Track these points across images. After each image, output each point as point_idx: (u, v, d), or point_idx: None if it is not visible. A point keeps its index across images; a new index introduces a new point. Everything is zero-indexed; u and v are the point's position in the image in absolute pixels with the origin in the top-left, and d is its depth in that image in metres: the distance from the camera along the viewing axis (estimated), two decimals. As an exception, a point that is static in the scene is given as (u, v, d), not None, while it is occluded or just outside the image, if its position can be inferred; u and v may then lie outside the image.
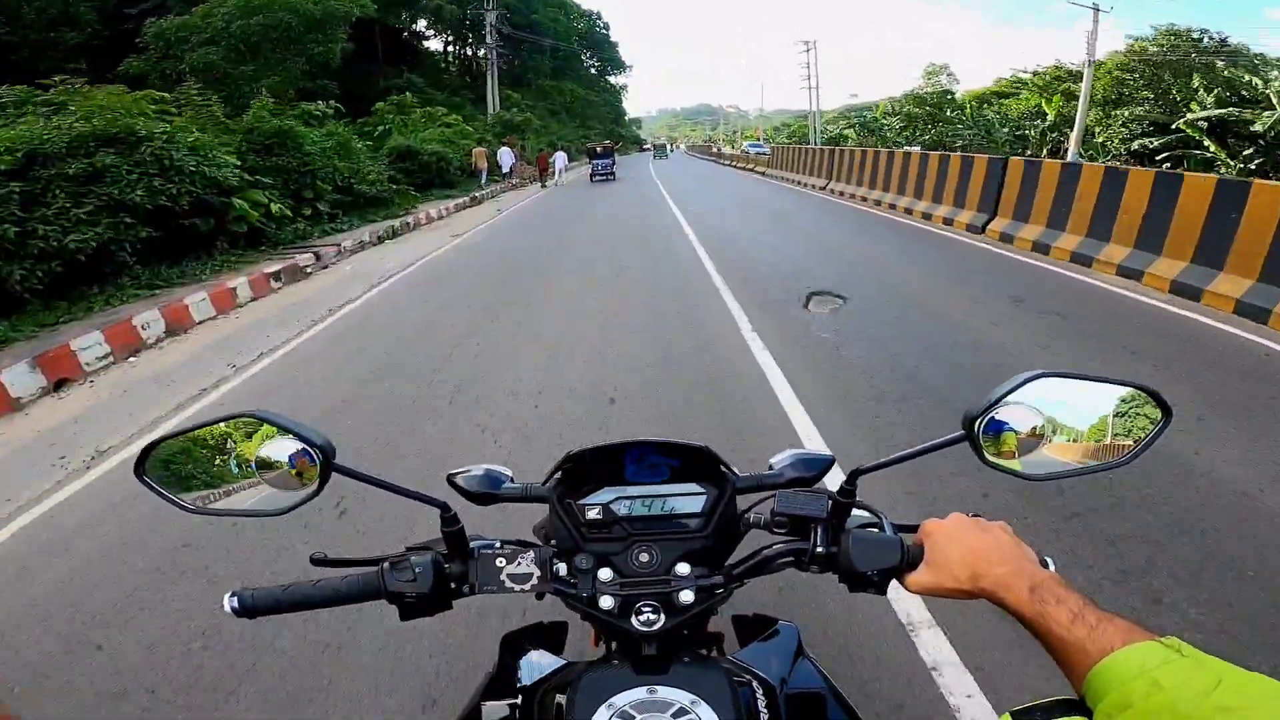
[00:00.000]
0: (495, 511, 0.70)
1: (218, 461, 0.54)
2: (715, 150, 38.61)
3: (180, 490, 0.53)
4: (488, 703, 0.61)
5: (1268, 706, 0.31)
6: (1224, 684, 0.32)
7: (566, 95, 35.78)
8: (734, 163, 23.04)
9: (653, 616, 0.55)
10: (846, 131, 25.64)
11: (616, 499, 0.63)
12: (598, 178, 16.21)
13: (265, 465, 0.52)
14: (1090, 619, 0.41)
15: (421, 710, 1.23)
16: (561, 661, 0.67)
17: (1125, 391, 0.53)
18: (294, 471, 0.52)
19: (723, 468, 0.63)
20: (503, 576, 0.57)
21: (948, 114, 20.39)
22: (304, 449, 0.51)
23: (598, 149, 16.89)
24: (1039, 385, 0.50)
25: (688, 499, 0.64)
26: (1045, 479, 0.54)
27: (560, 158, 16.44)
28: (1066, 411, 0.53)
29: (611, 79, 56.39)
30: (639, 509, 0.63)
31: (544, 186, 14.81)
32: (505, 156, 15.19)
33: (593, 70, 51.80)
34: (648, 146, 62.62)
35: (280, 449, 0.52)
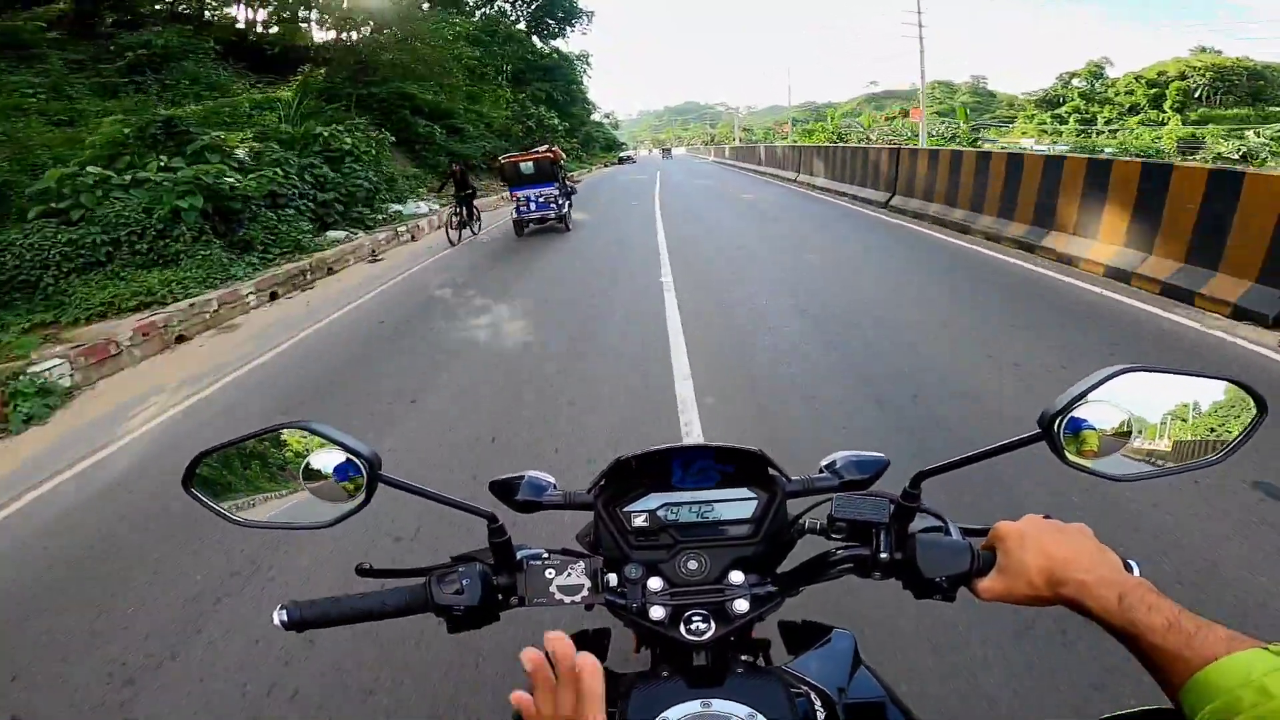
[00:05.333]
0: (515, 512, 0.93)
1: (264, 473, 0.73)
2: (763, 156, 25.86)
3: (227, 502, 0.72)
4: None
5: None
6: None
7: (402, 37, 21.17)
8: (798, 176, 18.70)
9: (702, 625, 0.72)
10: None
11: (663, 505, 0.82)
12: (530, 226, 12.43)
13: (311, 476, 0.71)
14: (1188, 626, 0.52)
15: None
16: (607, 671, 0.81)
17: (1216, 385, 0.67)
18: (340, 483, 0.71)
19: (773, 471, 0.83)
20: (552, 588, 0.74)
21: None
22: (349, 460, 0.70)
23: (519, 162, 11.97)
24: (1122, 381, 0.64)
25: (737, 504, 0.82)
26: (1130, 479, 0.68)
27: None
28: (1152, 408, 0.67)
29: (560, 43, 49.33)
30: (686, 515, 0.82)
31: None
32: None
33: (521, 24, 44.63)
34: (628, 154, 65.16)
35: (327, 460, 0.71)
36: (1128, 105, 62.57)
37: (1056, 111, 66.00)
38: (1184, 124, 54.43)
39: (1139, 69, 65.16)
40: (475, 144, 24.61)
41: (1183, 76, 60.16)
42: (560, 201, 12.18)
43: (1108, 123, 61.79)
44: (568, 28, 48.32)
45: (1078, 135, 59.08)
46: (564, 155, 14.23)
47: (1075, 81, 69.08)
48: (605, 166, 51.28)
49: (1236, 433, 0.66)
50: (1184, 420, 0.67)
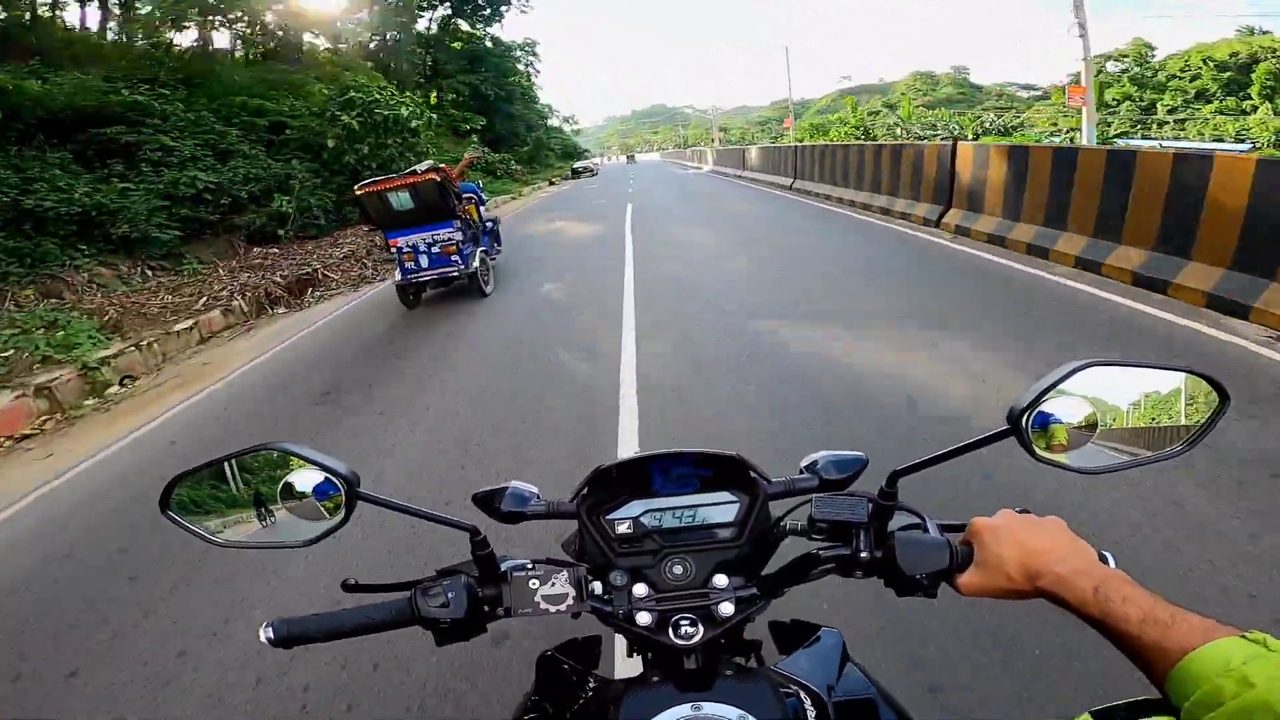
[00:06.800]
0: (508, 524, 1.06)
1: (242, 494, 0.92)
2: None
3: (205, 523, 0.92)
4: None
5: None
6: None
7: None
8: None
9: (690, 629, 0.91)
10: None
11: (645, 512, 1.03)
12: (426, 290, 10.57)
13: (290, 495, 0.91)
14: (1163, 616, 0.66)
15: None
16: (598, 678, 1.07)
17: (1178, 377, 0.86)
18: (319, 502, 0.91)
19: (753, 474, 1.05)
20: (537, 598, 0.94)
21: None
22: (327, 479, 0.89)
23: (385, 193, 9.34)
24: (1087, 375, 0.82)
25: (719, 508, 1.04)
26: (1099, 472, 0.87)
27: None
28: (1117, 401, 0.87)
29: (497, 29, 49.74)
30: (670, 521, 1.04)
31: None
32: None
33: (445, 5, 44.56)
34: (585, 165, 58.86)
35: (305, 479, 0.91)
36: (1194, 91, 65.56)
37: (1101, 98, 69.25)
38: (1275, 113, 57.08)
39: (1181, 50, 69.07)
40: (190, 170, 14.94)
41: (1255, 60, 63.26)
42: (466, 249, 9.89)
43: (1171, 111, 64.61)
44: (503, 6, 47.55)
45: (1133, 125, 61.63)
46: (469, 171, 12.27)
47: (1110, 66, 72.48)
48: (551, 184, 44.52)
49: (1200, 422, 0.85)
50: (1149, 412, 0.87)
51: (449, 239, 9.62)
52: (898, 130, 48.28)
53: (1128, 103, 67.39)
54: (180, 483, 0.90)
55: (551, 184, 45.05)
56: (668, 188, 30.79)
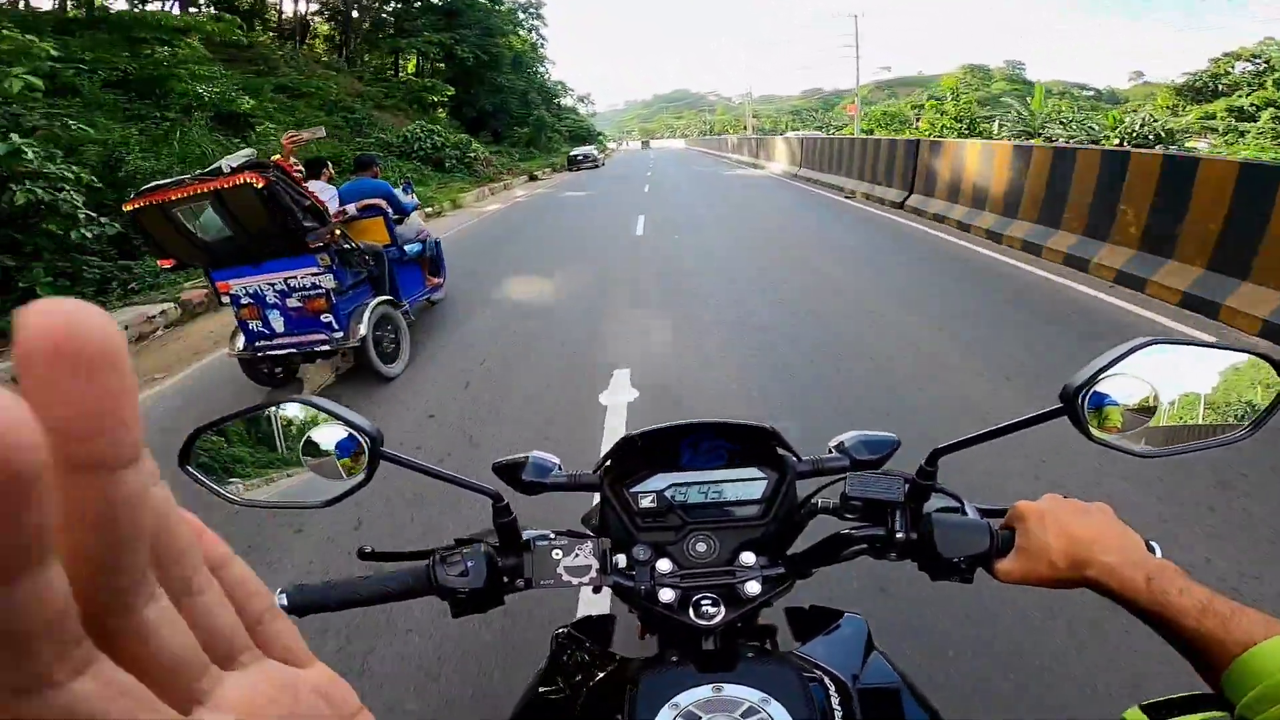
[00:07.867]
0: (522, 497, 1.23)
1: (263, 449, 1.04)
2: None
3: (225, 479, 1.04)
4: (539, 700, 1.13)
5: None
6: None
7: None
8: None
9: (712, 609, 1.02)
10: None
11: (670, 486, 1.16)
12: (297, 363, 7.17)
13: (312, 452, 1.03)
14: (1222, 610, 0.74)
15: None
16: (614, 656, 1.20)
17: (1240, 358, 0.94)
18: (342, 459, 1.02)
19: (783, 451, 1.17)
20: (559, 569, 1.05)
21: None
22: (351, 435, 1.01)
23: (171, 203, 5.50)
24: (1145, 354, 0.91)
25: (747, 485, 1.16)
26: (1158, 455, 0.96)
27: None
28: (1177, 382, 0.95)
29: None
30: (695, 496, 1.16)
31: None
32: None
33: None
34: (585, 151, 50.91)
35: (328, 436, 1.03)
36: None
37: (1234, 103, 68.87)
38: None
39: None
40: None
41: None
42: (347, 301, 6.48)
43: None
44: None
45: (1276, 137, 60.71)
46: (322, 170, 7.93)
47: (1240, 66, 71.98)
48: (533, 179, 38.67)
49: (1263, 406, 0.92)
50: (1209, 393, 0.94)
51: (313, 286, 6.29)
52: (995, 127, 46.41)
53: (1270, 109, 66.29)
54: (200, 436, 1.00)
55: (534, 179, 39.59)
56: (738, 240, 13.74)
